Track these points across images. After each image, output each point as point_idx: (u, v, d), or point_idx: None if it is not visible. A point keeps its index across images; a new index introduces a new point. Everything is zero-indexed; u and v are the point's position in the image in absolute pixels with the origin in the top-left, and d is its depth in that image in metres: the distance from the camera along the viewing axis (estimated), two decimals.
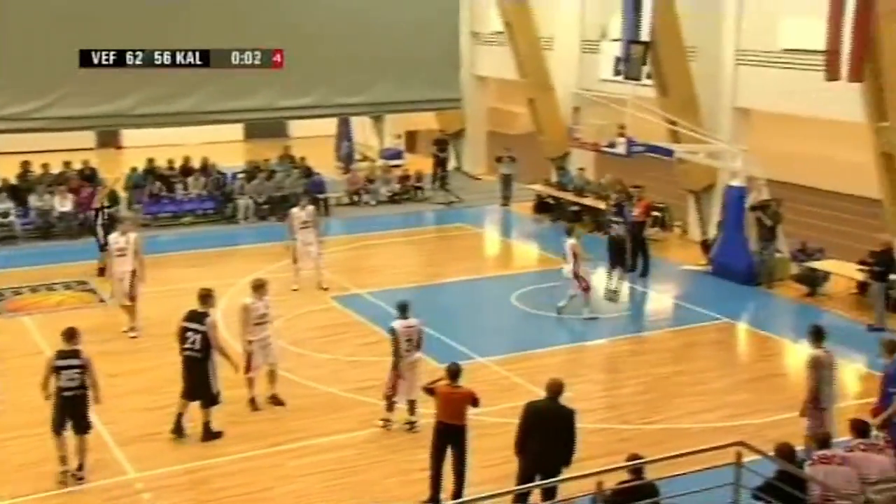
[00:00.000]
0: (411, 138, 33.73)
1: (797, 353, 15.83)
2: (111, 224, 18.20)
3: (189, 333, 12.02)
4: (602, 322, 16.82)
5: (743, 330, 16.97)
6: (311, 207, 18.85)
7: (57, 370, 11.02)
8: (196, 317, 12.08)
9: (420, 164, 28.96)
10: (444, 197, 26.40)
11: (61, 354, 11.11)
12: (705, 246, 20.64)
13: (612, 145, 19.20)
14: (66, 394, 11.05)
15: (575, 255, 16.58)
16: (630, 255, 18.89)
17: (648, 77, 20.57)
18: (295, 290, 18.09)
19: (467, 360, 14.41)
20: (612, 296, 17.97)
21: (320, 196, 24.51)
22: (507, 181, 26.05)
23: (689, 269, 20.30)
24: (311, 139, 31.82)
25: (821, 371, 10.95)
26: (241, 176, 25.19)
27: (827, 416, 11.04)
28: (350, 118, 29.62)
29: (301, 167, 26.20)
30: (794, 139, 26.00)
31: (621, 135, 18.94)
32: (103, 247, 17.84)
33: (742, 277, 18.94)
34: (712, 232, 20.87)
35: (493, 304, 18.13)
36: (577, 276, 16.65)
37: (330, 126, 30.57)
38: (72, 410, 11.08)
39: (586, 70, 24.93)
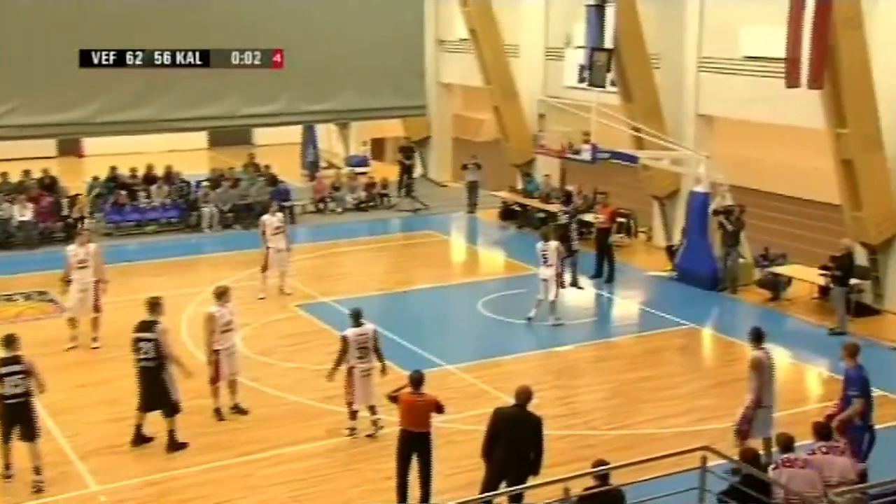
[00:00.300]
0: (377, 146, 33.67)
1: None
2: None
3: (141, 343, 11.95)
4: (568, 328, 16.88)
5: (708, 335, 17.10)
6: (280, 214, 18.82)
7: None
8: (146, 326, 12.01)
9: (386, 171, 28.95)
10: (410, 204, 26.41)
11: (2, 362, 10.98)
12: (670, 252, 20.81)
13: (577, 152, 19.33)
14: (10, 401, 10.93)
15: (558, 258, 16.78)
16: (571, 242, 18.98)
17: (613, 84, 20.66)
18: (262, 298, 18.03)
19: (434, 367, 14.48)
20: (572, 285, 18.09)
21: (286, 204, 24.33)
22: (472, 188, 26.11)
23: (655, 274, 20.44)
24: (277, 147, 31.71)
25: (763, 372, 11.16)
26: (205, 184, 25.05)
27: (768, 415, 11.26)
28: (315, 125, 29.56)
29: (266, 175, 26.08)
30: (757, 146, 26.31)
31: (586, 141, 19.09)
32: None
33: (706, 283, 19.10)
34: (677, 238, 21.05)
35: (459, 311, 18.18)
36: (559, 276, 16.77)
37: (295, 134, 30.47)
38: (16, 417, 10.97)
39: (551, 77, 25.04)
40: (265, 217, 18.55)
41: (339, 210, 26.13)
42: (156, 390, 11.99)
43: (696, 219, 19.52)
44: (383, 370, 12.31)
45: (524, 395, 9.86)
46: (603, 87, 19.70)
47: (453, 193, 27.61)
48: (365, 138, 32.14)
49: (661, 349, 16.14)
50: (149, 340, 11.92)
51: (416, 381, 10.50)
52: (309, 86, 24.20)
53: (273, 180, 25.81)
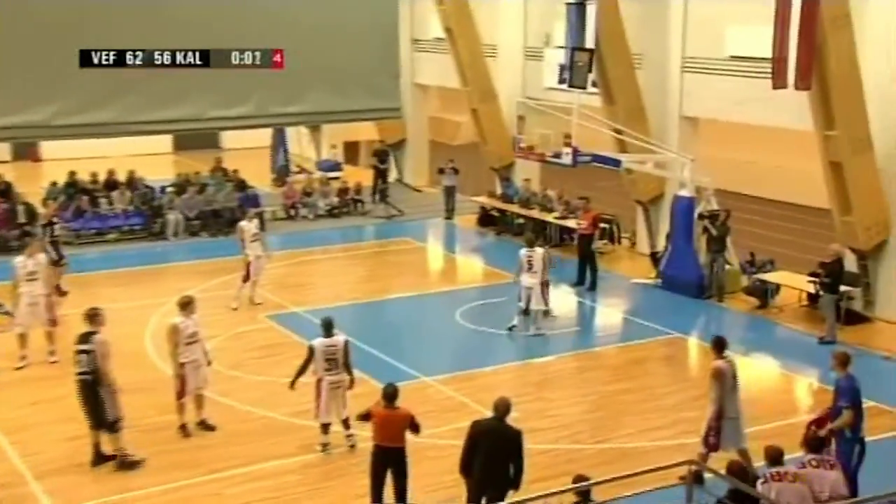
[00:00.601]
0: (350, 149, 33.65)
1: (749, 368, 16.09)
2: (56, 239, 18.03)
3: (80, 356, 11.83)
4: (549, 338, 16.89)
5: (694, 344, 17.16)
6: (256, 220, 18.71)
7: None
8: (84, 338, 11.89)
9: (359, 175, 28.94)
10: (385, 210, 26.39)
11: None
12: (654, 258, 20.88)
13: (557, 155, 19.35)
14: None
15: (544, 265, 16.77)
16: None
17: (594, 85, 20.78)
18: (234, 308, 18.00)
19: (411, 379, 14.47)
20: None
21: (255, 210, 24.28)
22: (449, 193, 26.12)
23: (639, 282, 20.50)
24: (245, 151, 31.63)
25: (725, 381, 11.25)
26: (170, 190, 24.95)
27: (737, 426, 11.33)
28: (285, 128, 29.45)
29: (234, 180, 26.04)
30: (743, 148, 26.47)
31: (567, 144, 19.10)
32: (58, 262, 17.75)
33: (692, 290, 19.18)
34: (661, 244, 21.12)
35: (436, 321, 18.15)
36: (544, 286, 16.80)
37: (264, 137, 30.39)
38: None
39: (530, 78, 25.11)
40: (242, 223, 18.50)
41: (311, 216, 26.08)
42: (92, 405, 11.82)
43: (680, 224, 19.60)
44: (350, 384, 12.27)
45: (503, 408, 9.84)
46: (584, 88, 19.77)
47: (430, 199, 27.63)
48: (337, 142, 32.11)
49: (646, 359, 16.17)
50: (86, 352, 11.77)
51: (390, 394, 10.45)
52: (279, 87, 24.05)
53: (241, 186, 25.74)
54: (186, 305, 12.85)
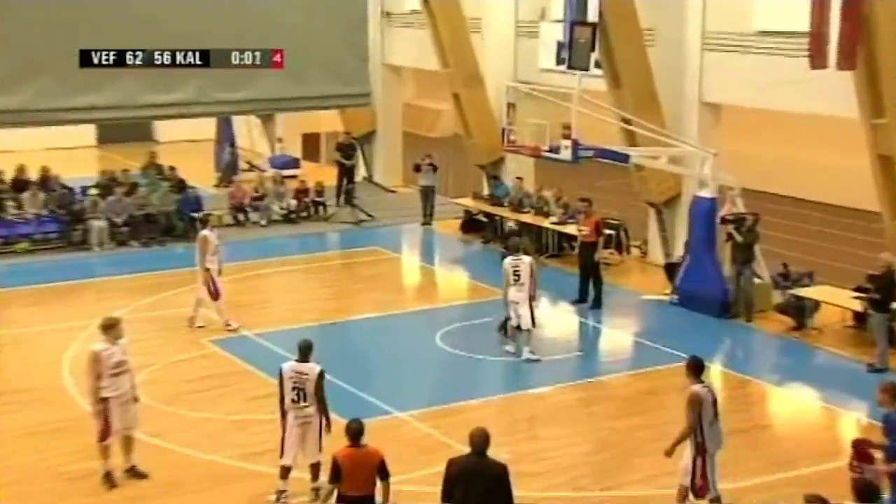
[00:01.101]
0: (310, 143, 33.63)
1: (784, 401, 16.04)
2: None
3: None
4: (546, 365, 16.83)
5: (717, 373, 17.07)
6: (215, 229, 18.66)
7: None
8: None
9: (321, 174, 28.88)
10: (352, 214, 26.32)
11: None
12: (670, 270, 20.86)
13: (555, 149, 19.31)
14: None
15: (532, 276, 16.77)
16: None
17: (598, 66, 20.77)
18: (234, 329, 18.05)
19: (381, 415, 14.42)
20: None
21: (196, 215, 24.17)
22: (427, 194, 26.08)
23: (651, 298, 20.49)
24: (184, 144, 31.54)
25: (701, 410, 11.30)
26: (93, 191, 24.79)
27: (709, 463, 11.34)
28: (232, 118, 29.33)
29: (171, 179, 25.89)
30: (775, 140, 26.52)
31: (566, 136, 19.07)
32: None
33: (715, 308, 19.15)
34: (678, 253, 21.10)
35: (412, 346, 18.12)
36: (532, 300, 16.81)
37: (208, 128, 30.26)
38: None
39: (523, 58, 25.09)
40: (205, 232, 18.30)
41: (264, 222, 26.00)
42: None
43: (700, 230, 19.58)
44: (326, 426, 12.07)
45: (480, 440, 9.74)
46: (586, 69, 19.73)
47: (404, 201, 27.59)
48: (287, 133, 31.98)
49: (660, 390, 16.08)
50: None
51: (355, 431, 10.27)
52: (224, 68, 23.98)
53: (180, 186, 25.60)
54: (111, 328, 12.67)
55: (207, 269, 18.00)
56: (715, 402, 11.45)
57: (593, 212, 20.42)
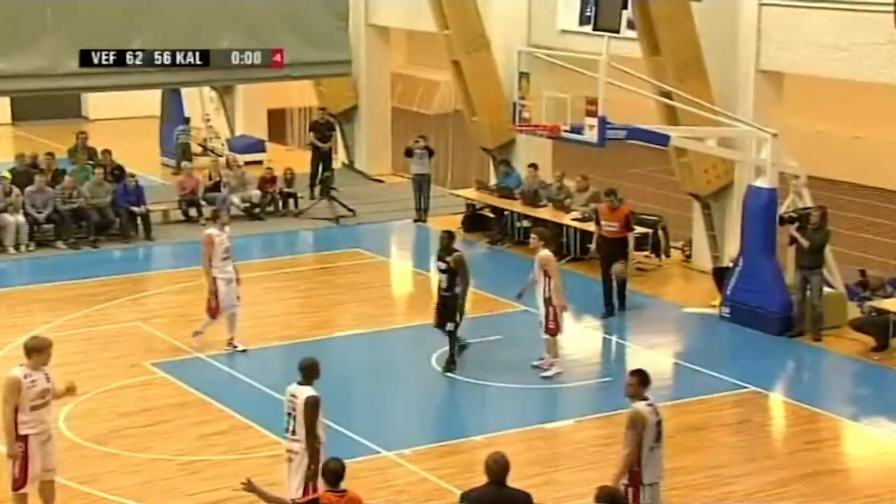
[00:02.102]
0: (277, 120, 33.71)
1: (861, 437, 15.98)
2: None
3: None
4: (568, 391, 16.94)
5: (778, 403, 17.15)
6: (227, 227, 18.57)
7: None
8: None
9: (291, 159, 28.91)
10: (329, 209, 26.33)
11: None
12: (719, 277, 20.83)
13: (577, 130, 19.30)
14: None
15: (546, 273, 16.94)
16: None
17: (630, 27, 20.71)
18: (244, 351, 18.02)
19: (366, 454, 14.49)
20: None
21: (137, 209, 24.19)
22: (421, 184, 26.12)
23: (696, 311, 20.55)
24: (121, 122, 31.56)
25: (642, 432, 11.45)
26: (6, 178, 24.73)
27: (643, 495, 11.47)
28: (182, 90, 29.32)
29: (105, 165, 25.86)
30: (848, 117, 26.52)
31: (591, 113, 19.06)
32: None
33: (774, 324, 19.17)
34: (729, 257, 21.08)
35: (403, 369, 18.20)
36: (547, 304, 16.99)
37: (152, 103, 30.26)
38: None
39: (538, 18, 25.08)
40: (212, 231, 18.21)
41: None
42: None
43: (757, 228, 19.58)
44: (309, 468, 12.02)
45: (499, 466, 9.92)
46: (616, 32, 19.66)
47: (393, 192, 27.72)
48: (250, 110, 31.98)
49: (707, 425, 16.16)
50: None
51: (334, 473, 10.30)
52: (173, 30, 23.99)
53: (118, 173, 25.56)
54: (39, 352, 12.57)
55: (214, 278, 17.90)
56: (659, 423, 11.66)
57: (617, 205, 20.39)
